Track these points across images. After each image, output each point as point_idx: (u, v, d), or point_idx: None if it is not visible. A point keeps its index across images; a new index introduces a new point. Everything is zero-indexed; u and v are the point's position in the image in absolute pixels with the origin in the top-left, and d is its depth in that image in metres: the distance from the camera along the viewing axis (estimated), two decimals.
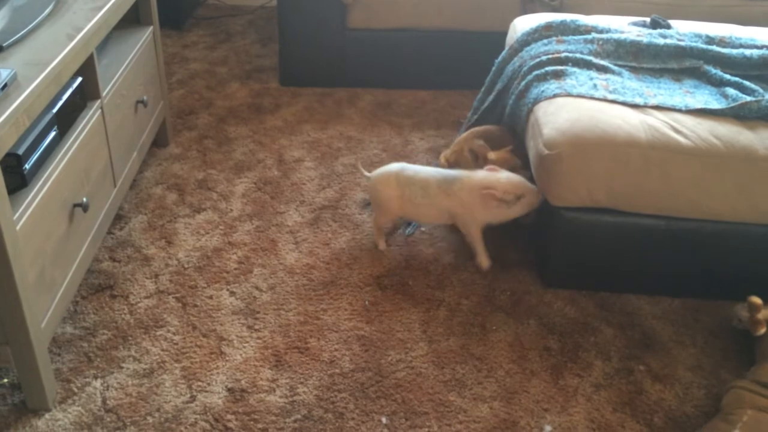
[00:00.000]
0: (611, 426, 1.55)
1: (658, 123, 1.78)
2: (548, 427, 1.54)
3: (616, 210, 1.81)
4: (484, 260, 1.98)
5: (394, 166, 2.00)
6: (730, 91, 1.89)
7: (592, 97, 1.88)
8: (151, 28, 2.30)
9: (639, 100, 1.86)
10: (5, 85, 1.33)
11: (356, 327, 1.78)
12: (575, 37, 2.17)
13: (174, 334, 1.74)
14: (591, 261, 1.91)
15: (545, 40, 2.18)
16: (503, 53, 2.31)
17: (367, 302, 1.86)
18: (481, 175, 1.92)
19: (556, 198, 1.82)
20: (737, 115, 1.81)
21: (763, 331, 1.66)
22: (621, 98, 1.87)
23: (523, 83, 2.03)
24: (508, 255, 2.06)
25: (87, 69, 1.75)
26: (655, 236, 1.82)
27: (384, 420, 1.54)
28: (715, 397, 1.61)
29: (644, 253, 1.86)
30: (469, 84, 2.88)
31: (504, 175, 1.90)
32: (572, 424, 1.55)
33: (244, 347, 1.71)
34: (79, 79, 1.72)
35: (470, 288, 1.93)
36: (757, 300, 1.68)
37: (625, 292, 1.92)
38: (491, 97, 2.25)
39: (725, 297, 1.86)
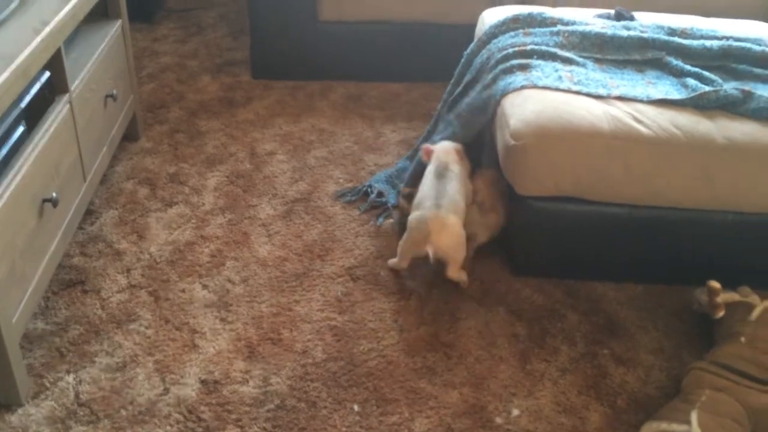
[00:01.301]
0: (576, 408, 1.60)
1: (621, 113, 1.83)
2: (516, 411, 1.58)
3: (582, 199, 1.86)
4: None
5: (429, 210, 1.86)
6: (690, 81, 1.94)
7: (557, 89, 1.92)
8: (119, 21, 2.29)
9: (602, 91, 1.91)
10: None
11: (328, 318, 1.81)
12: (542, 30, 2.20)
13: (146, 327, 1.75)
14: (558, 249, 1.96)
15: (512, 33, 2.22)
16: (471, 45, 2.34)
17: (339, 293, 1.88)
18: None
19: (522, 187, 1.86)
20: (697, 104, 1.86)
21: (721, 314, 1.71)
22: (585, 89, 1.91)
23: (490, 76, 2.06)
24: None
25: (55, 63, 1.74)
26: (619, 224, 1.87)
27: (356, 408, 1.57)
28: (675, 378, 1.66)
29: (609, 240, 1.91)
30: (440, 76, 2.89)
31: (439, 144, 2.07)
32: (539, 408, 1.59)
33: (217, 339, 1.73)
34: (47, 74, 1.71)
35: (440, 278, 1.97)
36: (715, 284, 1.73)
37: (590, 279, 1.97)
38: (459, 89, 2.28)
39: (686, 282, 1.92)
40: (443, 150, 2.02)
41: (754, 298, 1.72)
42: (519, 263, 1.99)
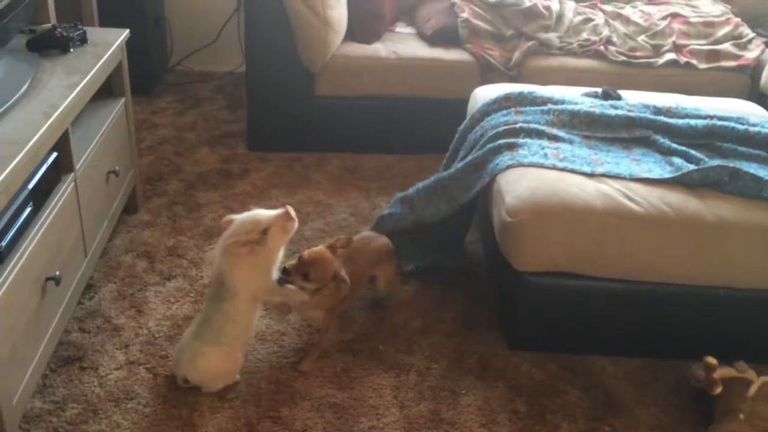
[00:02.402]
0: None
1: (612, 191, 1.89)
2: None
3: (577, 274, 1.89)
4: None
5: (184, 343, 1.77)
6: (677, 160, 2.02)
7: (542, 166, 1.98)
8: (123, 99, 2.35)
9: (587, 168, 1.98)
10: None
11: (328, 394, 1.80)
12: (533, 108, 2.29)
13: (144, 406, 1.73)
14: (554, 323, 1.98)
15: (504, 111, 2.30)
16: (465, 122, 2.41)
17: (338, 369, 1.89)
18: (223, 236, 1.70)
19: (519, 263, 1.90)
20: (681, 182, 1.93)
21: (719, 390, 1.73)
22: (570, 166, 1.98)
23: (480, 153, 2.13)
24: (474, 317, 2.12)
25: (62, 144, 1.78)
26: (614, 299, 1.90)
27: None
28: None
29: (604, 315, 1.94)
30: (432, 148, 2.97)
31: (237, 219, 1.68)
32: None
33: (216, 417, 1.72)
34: (54, 155, 1.75)
35: (439, 352, 1.98)
36: (712, 360, 1.76)
37: (587, 353, 1.99)
38: (455, 163, 2.34)
39: (682, 356, 1.94)
40: (233, 238, 1.65)
41: (751, 374, 1.74)
42: (516, 337, 2.01)
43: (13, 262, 1.48)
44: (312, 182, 2.85)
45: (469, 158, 2.17)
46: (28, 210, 1.58)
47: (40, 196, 1.67)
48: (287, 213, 1.66)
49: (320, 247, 1.84)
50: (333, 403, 1.78)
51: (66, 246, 1.80)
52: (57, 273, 1.68)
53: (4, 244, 1.46)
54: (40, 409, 1.70)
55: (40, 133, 1.57)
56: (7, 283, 1.44)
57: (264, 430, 1.69)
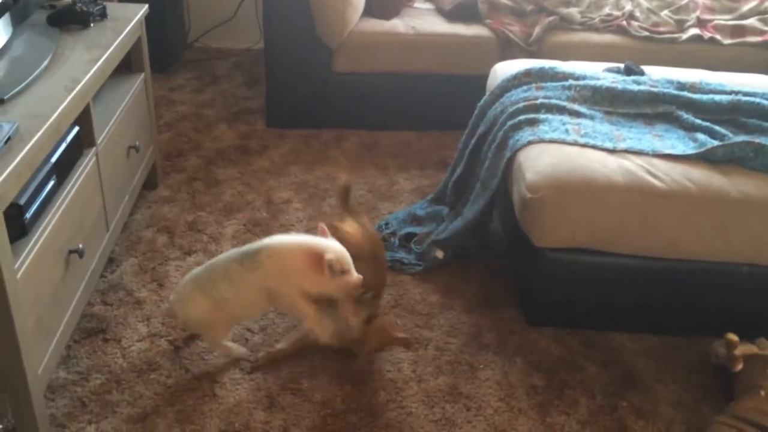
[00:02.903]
0: None
1: (635, 167, 1.87)
2: None
3: (598, 250, 1.88)
4: (318, 333, 1.70)
5: (186, 279, 1.75)
6: (700, 136, 1.99)
7: (564, 141, 1.96)
8: (142, 75, 2.36)
9: (609, 144, 1.95)
10: (8, 139, 1.37)
11: (347, 368, 1.81)
12: (554, 84, 2.26)
13: (167, 377, 1.76)
14: (574, 300, 1.97)
15: (525, 87, 2.28)
16: (485, 98, 2.39)
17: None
18: (305, 238, 1.69)
19: (539, 239, 1.89)
20: (704, 159, 1.90)
21: (740, 367, 1.72)
22: (591, 142, 1.96)
23: (501, 133, 2.11)
24: (493, 293, 2.12)
25: (83, 118, 1.80)
26: (634, 275, 1.89)
27: None
28: None
29: (625, 291, 1.92)
30: (451, 125, 2.96)
31: (333, 242, 1.66)
32: None
33: (237, 389, 1.74)
34: (76, 129, 1.76)
35: (457, 327, 1.98)
36: (733, 337, 1.75)
37: (607, 329, 1.98)
38: (473, 141, 2.33)
39: (703, 333, 1.93)
40: (309, 251, 1.63)
41: None
42: (535, 313, 2.01)
43: (37, 235, 1.50)
44: (330, 159, 2.85)
45: (494, 144, 2.15)
46: (51, 183, 1.60)
47: (63, 169, 1.68)
48: (359, 282, 1.65)
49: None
50: (352, 377, 1.79)
51: (88, 220, 1.81)
52: (80, 246, 1.70)
53: (28, 216, 1.47)
54: (65, 379, 1.73)
55: (62, 106, 1.58)
56: (32, 255, 1.46)
57: (284, 402, 1.71)
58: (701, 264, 1.86)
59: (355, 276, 1.63)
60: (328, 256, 1.59)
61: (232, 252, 1.71)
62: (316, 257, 1.59)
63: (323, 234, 1.68)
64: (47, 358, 1.54)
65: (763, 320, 1.90)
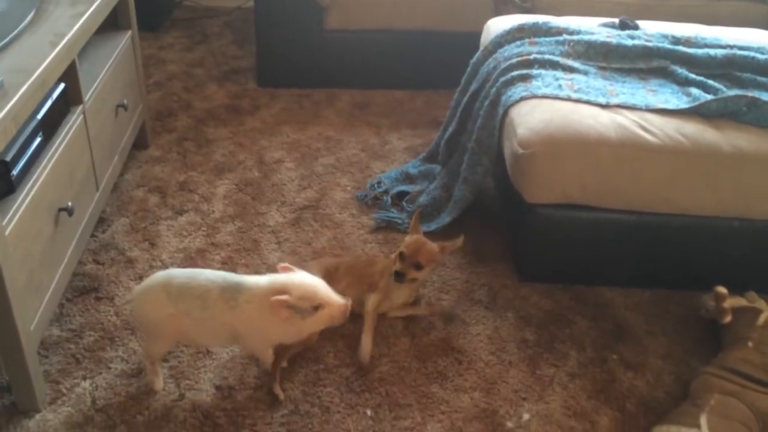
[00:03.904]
0: (586, 412, 1.62)
1: (627, 122, 1.85)
2: (526, 415, 1.60)
3: (589, 206, 1.88)
4: (277, 388, 1.60)
5: (160, 276, 1.53)
6: (694, 90, 1.97)
7: (557, 97, 1.94)
8: (129, 32, 2.32)
9: (602, 99, 1.94)
10: None
11: (340, 325, 1.82)
12: (547, 39, 2.23)
13: None
14: (565, 255, 1.98)
15: (518, 42, 2.25)
16: (477, 54, 2.37)
17: (350, 301, 1.90)
18: (270, 279, 1.49)
19: (530, 195, 1.89)
20: (697, 113, 1.89)
21: (729, 319, 1.74)
22: (585, 97, 1.94)
23: (493, 90, 2.09)
24: (485, 250, 2.12)
25: (69, 75, 1.77)
26: (626, 231, 1.89)
27: (369, 412, 1.59)
28: (684, 383, 1.68)
29: (616, 247, 1.93)
30: (444, 83, 2.93)
31: (299, 277, 1.47)
32: (549, 412, 1.61)
33: (231, 346, 1.75)
34: (62, 85, 1.74)
35: (449, 283, 1.99)
36: (722, 290, 1.76)
37: (598, 284, 2.00)
38: (466, 99, 2.31)
39: (693, 287, 1.94)
40: (284, 296, 1.42)
41: (761, 304, 1.74)
42: (526, 269, 2.02)
43: (25, 191, 1.49)
44: (322, 118, 2.82)
45: (486, 101, 2.12)
46: (38, 140, 1.58)
47: (50, 126, 1.66)
48: (346, 309, 1.47)
49: (415, 236, 1.82)
50: (344, 334, 1.80)
51: (77, 178, 1.80)
52: (69, 204, 1.69)
53: (15, 172, 1.46)
54: (58, 336, 1.73)
55: (47, 62, 1.55)
56: (20, 212, 1.45)
57: None
58: (692, 219, 1.86)
59: (337, 305, 1.45)
60: (282, 298, 1.39)
61: (219, 276, 1.51)
62: (274, 303, 1.40)
63: (286, 270, 1.49)
64: (39, 314, 1.54)
65: (753, 274, 1.91)
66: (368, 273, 1.86)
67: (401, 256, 1.79)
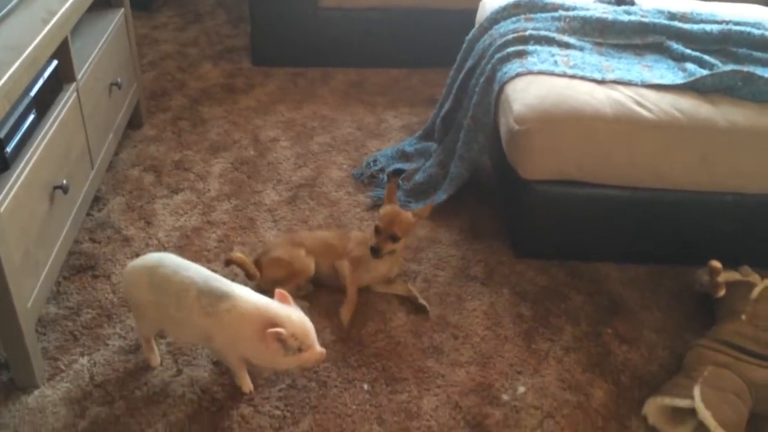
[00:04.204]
0: (581, 385, 1.63)
1: (623, 97, 1.85)
2: (521, 388, 1.62)
3: (585, 182, 1.88)
4: (245, 384, 1.57)
5: (150, 260, 1.52)
6: (690, 65, 1.97)
7: (552, 73, 1.94)
8: (122, 10, 2.30)
9: (597, 75, 1.93)
10: None
11: (336, 300, 1.83)
12: (543, 15, 2.22)
13: None
14: (561, 231, 1.98)
15: (514, 18, 2.24)
16: (473, 31, 2.36)
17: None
18: (265, 303, 1.46)
19: (526, 171, 1.89)
20: (693, 88, 1.88)
21: (722, 293, 1.75)
22: (580, 73, 1.94)
23: (489, 66, 2.08)
24: (481, 226, 2.13)
25: (62, 52, 1.76)
26: (621, 206, 1.90)
27: (366, 387, 1.60)
28: (678, 356, 1.70)
29: (611, 222, 1.94)
30: (440, 61, 2.92)
31: (294, 314, 1.45)
32: (544, 385, 1.63)
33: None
34: (55, 63, 1.73)
35: (445, 260, 2.00)
36: (717, 264, 1.77)
37: (593, 260, 2.00)
38: (461, 75, 2.30)
39: (687, 263, 1.95)
40: (266, 320, 1.41)
41: (754, 277, 1.75)
42: (522, 245, 2.02)
43: (19, 169, 1.48)
44: (317, 97, 2.81)
45: (482, 78, 2.11)
46: (31, 117, 1.57)
47: (43, 104, 1.65)
48: (323, 358, 1.48)
49: (388, 206, 1.81)
50: (341, 309, 1.81)
51: (72, 156, 1.80)
52: (64, 182, 1.69)
53: (9, 149, 1.46)
54: (56, 314, 1.74)
55: (38, 38, 1.54)
56: (14, 189, 1.45)
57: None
58: (687, 194, 1.86)
59: (317, 352, 1.45)
60: (279, 330, 1.38)
61: (204, 277, 1.48)
62: (270, 334, 1.39)
63: (282, 300, 1.48)
64: (36, 292, 1.54)
65: (747, 249, 1.92)
66: (342, 245, 1.86)
67: (376, 230, 1.79)
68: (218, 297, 1.45)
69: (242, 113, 2.67)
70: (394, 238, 1.78)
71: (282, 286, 1.58)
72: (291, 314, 1.44)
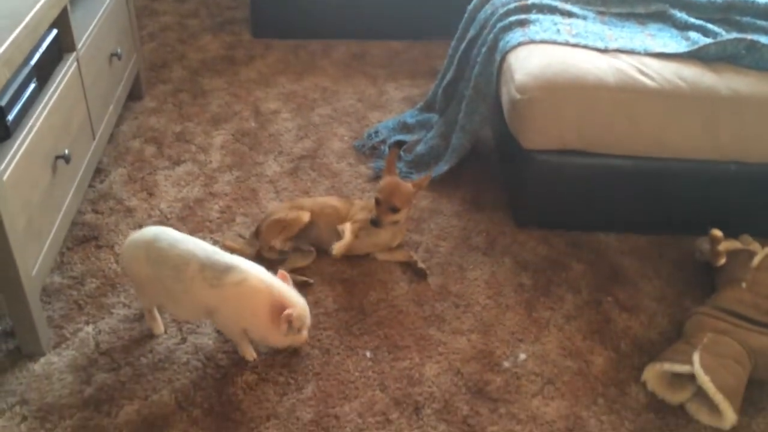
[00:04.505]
0: (581, 352, 1.65)
1: (626, 66, 1.84)
2: (522, 356, 1.63)
3: (586, 152, 1.88)
4: (248, 353, 1.58)
5: (147, 234, 1.51)
6: (693, 34, 1.95)
7: (555, 42, 1.93)
8: None
9: (600, 44, 1.92)
10: None
11: (339, 270, 1.84)
12: None
13: None
14: (562, 201, 1.99)
15: None
16: (474, 1, 2.33)
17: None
18: (274, 281, 1.50)
19: (528, 141, 1.89)
20: (696, 57, 1.87)
21: (723, 261, 1.76)
22: (583, 42, 1.93)
23: (491, 36, 2.07)
24: (482, 197, 2.13)
25: (62, 21, 1.75)
26: (623, 176, 1.90)
27: (368, 354, 1.62)
28: (678, 324, 1.71)
29: (613, 192, 1.94)
30: (441, 33, 2.90)
31: (298, 296, 1.51)
32: (545, 352, 1.64)
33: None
34: (55, 32, 1.72)
35: (447, 231, 2.00)
36: (718, 233, 1.77)
37: (594, 230, 2.01)
38: (463, 45, 2.29)
39: (688, 232, 1.96)
40: (275, 302, 1.46)
41: (755, 246, 1.76)
42: (523, 215, 2.03)
43: (21, 137, 1.48)
44: (318, 69, 2.80)
45: (484, 47, 2.10)
46: (32, 86, 1.57)
47: (44, 73, 1.65)
48: (305, 342, 1.57)
49: (388, 178, 1.81)
50: (344, 279, 1.82)
51: (73, 126, 1.79)
52: (66, 152, 1.69)
53: (11, 118, 1.45)
54: (60, 283, 1.75)
55: (38, 6, 1.53)
56: (17, 158, 1.45)
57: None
58: (689, 163, 1.86)
59: (304, 336, 1.53)
60: (292, 312, 1.44)
61: (200, 249, 1.48)
62: (279, 311, 1.44)
63: (284, 281, 1.52)
64: (40, 260, 1.55)
65: (748, 218, 1.92)
66: (345, 209, 1.87)
67: (377, 202, 1.79)
68: (223, 270, 1.46)
69: (243, 85, 2.65)
70: (394, 210, 1.79)
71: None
72: (294, 295, 1.50)
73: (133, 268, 1.53)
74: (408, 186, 1.81)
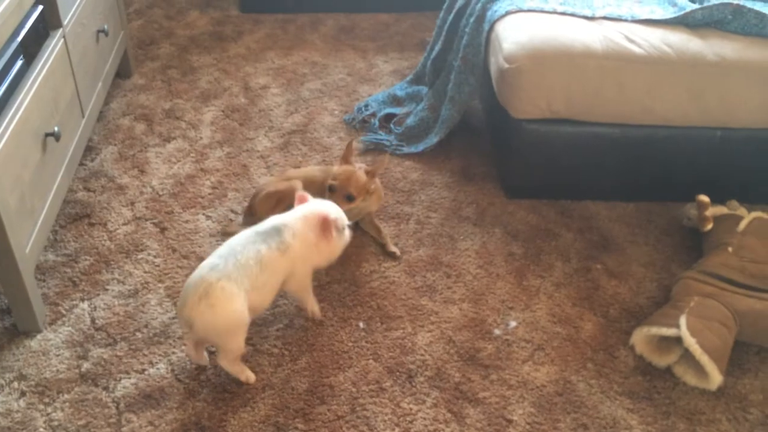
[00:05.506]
0: (571, 319, 1.68)
1: (613, 33, 1.85)
2: (513, 323, 1.66)
3: (574, 120, 1.89)
4: (316, 309, 1.64)
5: (200, 275, 1.38)
6: (680, 0, 1.95)
7: (542, 11, 1.93)
8: None
9: (588, 12, 1.93)
10: None
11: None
12: None
13: (155, 257, 1.80)
14: (551, 171, 2.00)
15: None
16: None
17: None
18: (306, 209, 1.55)
19: (516, 110, 1.89)
20: (683, 23, 1.88)
21: (710, 227, 1.78)
22: (571, 10, 1.93)
23: (479, 5, 2.06)
24: (472, 169, 2.14)
25: None
26: (611, 144, 1.91)
27: (361, 325, 1.64)
28: (665, 289, 1.74)
29: (601, 160, 1.95)
30: (430, 5, 2.89)
31: (325, 204, 1.57)
32: (535, 319, 1.67)
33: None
34: (40, 8, 1.71)
35: (437, 202, 2.02)
36: (705, 198, 1.80)
37: (583, 199, 2.03)
38: (451, 17, 2.28)
39: (676, 199, 1.98)
40: (312, 218, 1.52)
41: (741, 211, 1.78)
42: (513, 186, 2.04)
43: (9, 115, 1.48)
44: (307, 43, 2.79)
45: (472, 18, 2.10)
46: (19, 63, 1.56)
47: (30, 50, 1.64)
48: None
49: (344, 166, 1.78)
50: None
51: (62, 103, 1.79)
52: (55, 129, 1.69)
53: None
54: (54, 261, 1.76)
55: None
56: (6, 136, 1.45)
57: None
58: (676, 130, 1.88)
59: (348, 235, 1.58)
60: (333, 216, 1.51)
61: (245, 235, 1.47)
62: (325, 222, 1.50)
63: (303, 201, 1.57)
64: (34, 237, 1.56)
65: (735, 184, 1.94)
66: (325, 178, 1.82)
67: (330, 189, 1.74)
68: (278, 232, 1.49)
69: (232, 61, 2.64)
70: (350, 198, 1.75)
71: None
72: (318, 205, 1.56)
73: (231, 310, 1.38)
74: (363, 176, 1.77)
